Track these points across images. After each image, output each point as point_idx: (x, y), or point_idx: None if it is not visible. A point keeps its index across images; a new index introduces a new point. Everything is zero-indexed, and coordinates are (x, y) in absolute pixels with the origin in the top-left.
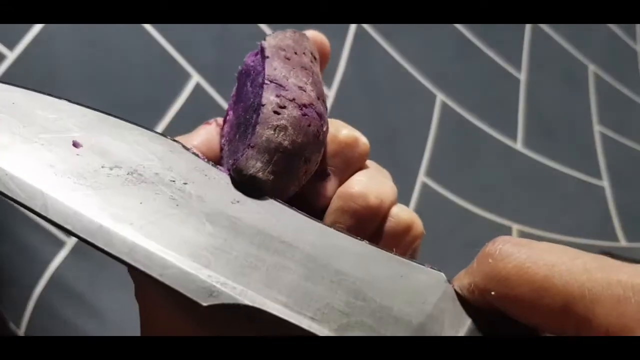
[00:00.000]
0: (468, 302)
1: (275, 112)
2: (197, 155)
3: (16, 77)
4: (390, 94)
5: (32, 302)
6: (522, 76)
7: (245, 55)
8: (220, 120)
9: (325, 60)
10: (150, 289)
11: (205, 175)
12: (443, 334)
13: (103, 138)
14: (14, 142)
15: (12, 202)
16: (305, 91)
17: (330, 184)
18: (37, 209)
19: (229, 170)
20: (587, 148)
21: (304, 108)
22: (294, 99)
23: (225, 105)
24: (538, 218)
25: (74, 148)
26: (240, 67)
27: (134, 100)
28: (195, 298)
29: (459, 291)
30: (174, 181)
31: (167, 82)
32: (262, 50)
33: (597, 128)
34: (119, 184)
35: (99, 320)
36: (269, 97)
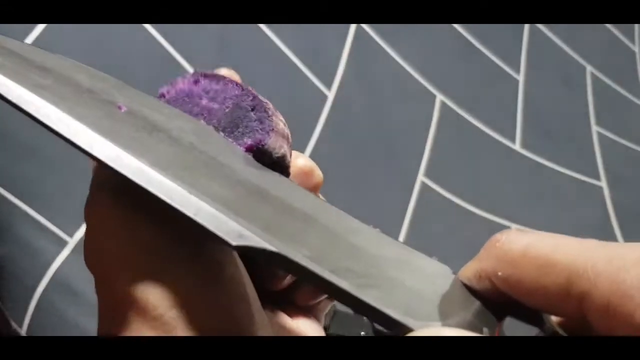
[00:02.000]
0: (475, 291)
1: (275, 110)
2: (224, 137)
3: None
4: (389, 94)
5: (34, 301)
6: (521, 77)
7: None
8: (223, 73)
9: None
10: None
11: (234, 153)
12: (454, 312)
13: (143, 108)
14: (64, 100)
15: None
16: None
17: None
18: (84, 146)
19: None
20: (586, 148)
21: (282, 119)
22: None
23: None
24: (536, 218)
25: (118, 109)
26: (162, 98)
27: None
28: (226, 237)
29: (467, 282)
30: (207, 152)
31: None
32: (206, 74)
33: (595, 129)
34: (157, 142)
35: None
36: (265, 100)
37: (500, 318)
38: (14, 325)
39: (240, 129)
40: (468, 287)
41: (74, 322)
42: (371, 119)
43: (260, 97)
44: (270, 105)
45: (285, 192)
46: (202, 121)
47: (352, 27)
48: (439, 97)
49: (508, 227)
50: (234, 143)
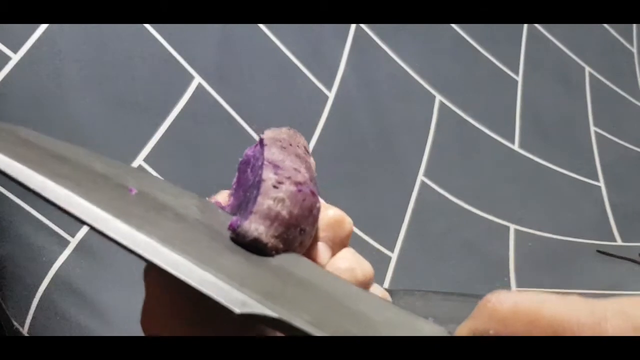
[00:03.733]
0: None
1: (274, 186)
2: (228, 213)
3: (20, 78)
4: (389, 94)
5: (35, 301)
6: (520, 78)
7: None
8: (220, 198)
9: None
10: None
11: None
12: None
13: (152, 190)
14: (80, 186)
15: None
16: (299, 172)
17: (323, 253)
18: (101, 229)
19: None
20: (584, 149)
21: (298, 185)
22: (290, 177)
23: (225, 105)
24: (535, 218)
25: (129, 192)
26: (240, 159)
27: (136, 101)
28: (230, 305)
29: None
30: (211, 226)
31: (169, 83)
32: (261, 140)
33: (594, 129)
34: (165, 220)
35: (102, 318)
36: (268, 174)
37: None
38: (15, 324)
39: (246, 206)
40: None
41: (75, 321)
42: (371, 119)
43: (270, 168)
44: (271, 179)
45: (284, 259)
46: (206, 199)
47: (352, 27)
48: (439, 98)
49: (506, 227)
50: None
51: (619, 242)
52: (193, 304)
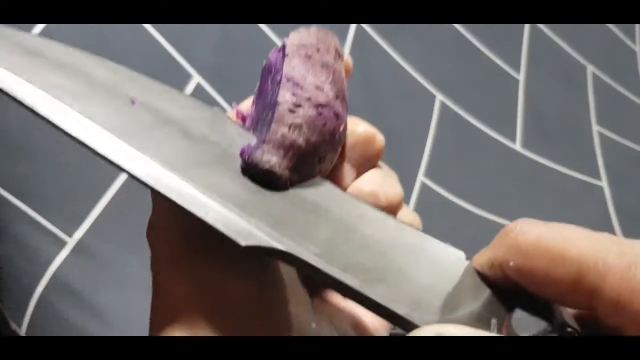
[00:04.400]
0: (487, 279)
1: (291, 111)
2: (240, 125)
3: None
4: (389, 94)
5: (33, 302)
6: (521, 76)
7: (265, 53)
8: (243, 107)
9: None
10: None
11: (248, 143)
12: (464, 302)
13: (156, 99)
14: (78, 99)
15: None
16: (322, 90)
17: (347, 175)
18: (93, 147)
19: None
20: (586, 148)
21: (319, 107)
22: (309, 98)
23: (226, 105)
24: (537, 218)
25: (131, 104)
26: (264, 62)
27: None
28: (235, 237)
29: (479, 268)
30: (219, 143)
31: (168, 83)
32: (284, 47)
33: (596, 128)
34: (168, 137)
35: (100, 319)
36: (285, 96)
37: (510, 309)
38: (13, 325)
39: (261, 129)
40: (480, 274)
41: (73, 322)
42: (371, 118)
43: (287, 88)
44: (287, 101)
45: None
46: (216, 108)
47: (352, 27)
48: (439, 97)
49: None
50: (251, 132)
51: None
52: (196, 224)
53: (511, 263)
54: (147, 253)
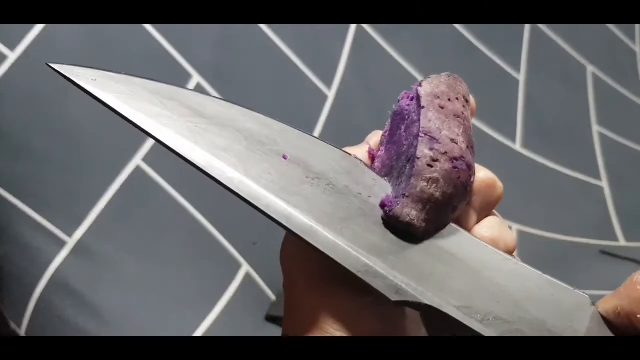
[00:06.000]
0: (612, 325)
1: (429, 165)
2: (374, 172)
3: (17, 77)
4: (390, 94)
5: (33, 302)
6: (521, 77)
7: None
8: (372, 142)
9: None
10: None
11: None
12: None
13: (302, 153)
14: (241, 162)
15: (243, 202)
16: (457, 144)
17: (470, 220)
18: (262, 208)
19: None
20: (586, 148)
21: (454, 161)
22: (446, 152)
23: None
24: (537, 218)
25: (283, 160)
26: (394, 107)
27: None
28: (386, 294)
29: (604, 314)
30: (361, 195)
31: (168, 83)
32: (419, 97)
33: (596, 128)
34: (317, 191)
35: (99, 319)
36: (424, 151)
37: None
38: (12, 325)
39: (398, 179)
40: (605, 320)
41: (72, 322)
42: (371, 118)
43: (425, 143)
44: (426, 156)
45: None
46: (352, 155)
47: (352, 27)
48: None
49: (509, 227)
50: (385, 180)
51: (622, 242)
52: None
53: (639, 316)
54: (146, 253)
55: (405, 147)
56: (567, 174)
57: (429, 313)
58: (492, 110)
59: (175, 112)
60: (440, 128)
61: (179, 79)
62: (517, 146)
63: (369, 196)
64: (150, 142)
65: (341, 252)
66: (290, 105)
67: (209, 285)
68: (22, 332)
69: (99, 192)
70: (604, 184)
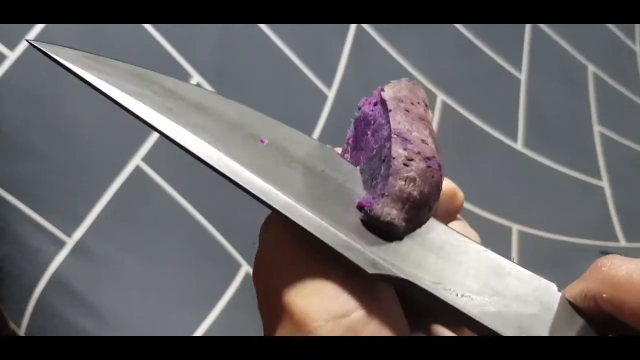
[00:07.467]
0: (579, 310)
1: (405, 164)
2: (349, 161)
3: (17, 77)
4: None
5: (32, 302)
6: (523, 76)
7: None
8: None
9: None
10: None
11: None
12: (561, 331)
13: (280, 138)
14: (219, 141)
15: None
16: (427, 144)
17: None
18: (241, 183)
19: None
20: (587, 148)
21: (427, 160)
22: (419, 152)
23: None
24: (538, 218)
25: (261, 143)
26: (356, 114)
27: None
28: (363, 266)
29: (572, 300)
30: (336, 179)
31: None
32: (383, 101)
33: (597, 128)
34: (295, 173)
35: (99, 319)
36: (398, 150)
37: None
38: (12, 325)
39: (372, 181)
40: (572, 305)
41: (72, 322)
42: None
43: (399, 143)
44: (401, 155)
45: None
46: (328, 146)
47: (352, 27)
48: (440, 97)
49: (509, 228)
50: (357, 168)
51: (623, 243)
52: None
53: (604, 295)
54: (146, 253)
55: (375, 150)
56: (568, 173)
57: (405, 291)
58: (493, 109)
59: (156, 92)
60: (410, 129)
61: (179, 78)
62: (518, 145)
63: (346, 182)
64: (150, 143)
65: (319, 227)
66: (290, 105)
67: (209, 285)
68: (21, 332)
69: (98, 192)
70: (605, 184)
